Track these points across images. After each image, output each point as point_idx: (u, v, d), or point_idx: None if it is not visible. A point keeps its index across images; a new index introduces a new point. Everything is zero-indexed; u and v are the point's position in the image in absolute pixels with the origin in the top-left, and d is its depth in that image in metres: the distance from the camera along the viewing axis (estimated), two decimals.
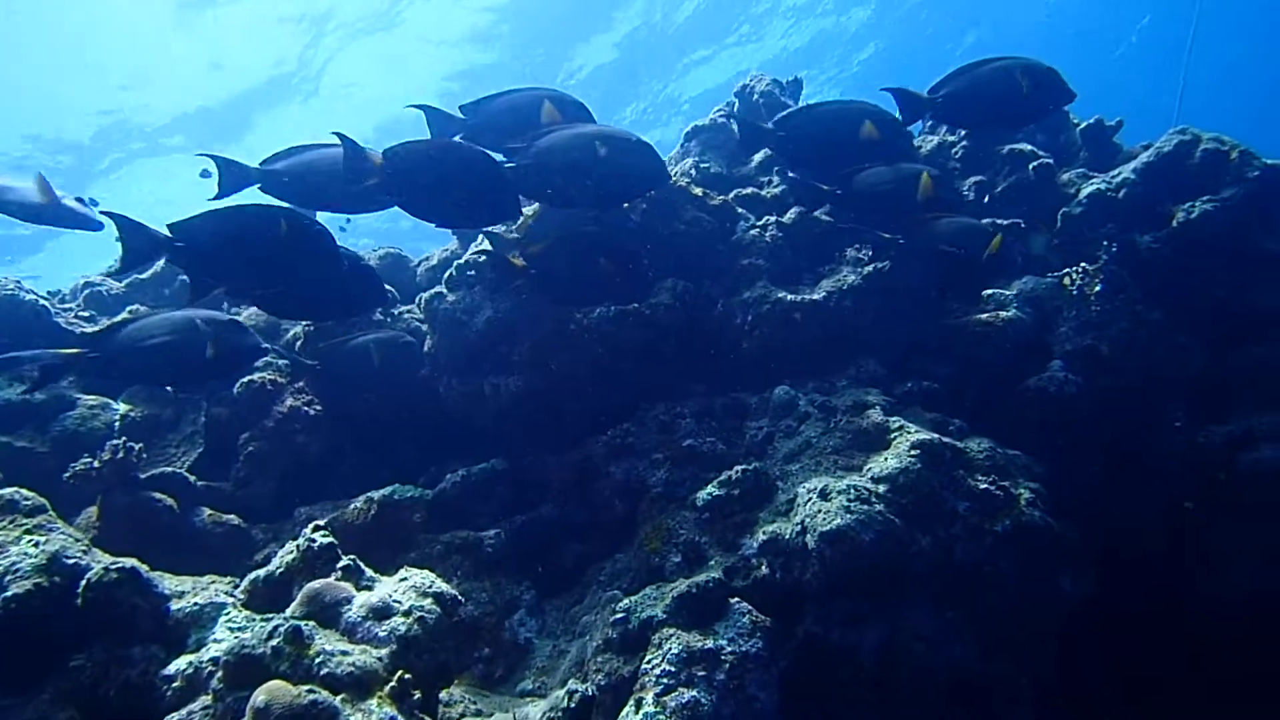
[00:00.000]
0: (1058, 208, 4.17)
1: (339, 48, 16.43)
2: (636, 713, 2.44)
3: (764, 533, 2.99)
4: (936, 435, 3.16)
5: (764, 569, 2.92)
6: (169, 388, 4.31)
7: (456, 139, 3.65)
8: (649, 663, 2.58)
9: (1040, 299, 3.91)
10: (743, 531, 3.08)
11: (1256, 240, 3.82)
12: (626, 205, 4.03)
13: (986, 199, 4.41)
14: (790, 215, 4.16)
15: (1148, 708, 3.31)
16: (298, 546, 2.94)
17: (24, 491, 3.10)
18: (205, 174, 3.54)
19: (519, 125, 3.53)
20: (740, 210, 4.30)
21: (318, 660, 2.41)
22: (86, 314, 4.99)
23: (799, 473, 3.28)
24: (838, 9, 18.80)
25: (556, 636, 3.30)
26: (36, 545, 2.83)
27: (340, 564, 2.86)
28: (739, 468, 3.25)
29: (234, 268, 3.19)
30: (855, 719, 2.73)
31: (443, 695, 2.82)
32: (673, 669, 2.52)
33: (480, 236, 4.30)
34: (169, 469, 3.95)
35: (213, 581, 3.09)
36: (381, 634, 2.59)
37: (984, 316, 3.82)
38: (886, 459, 3.08)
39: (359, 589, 2.78)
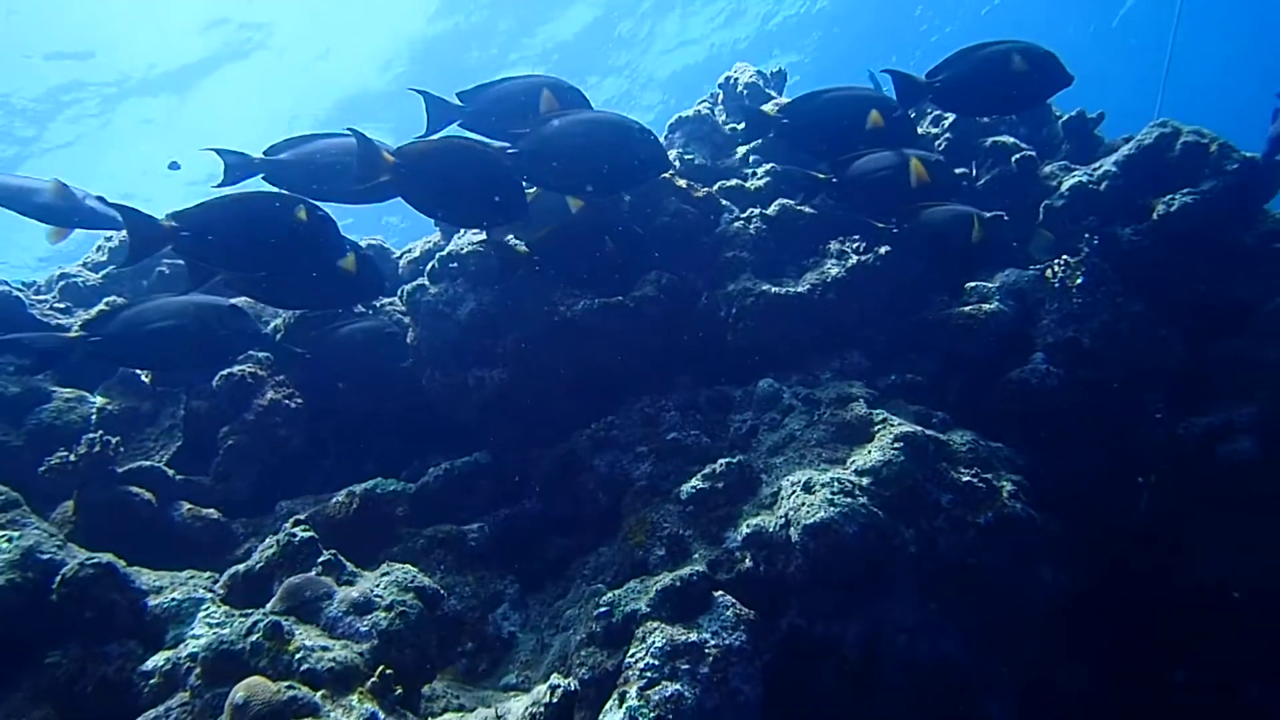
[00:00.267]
0: (1040, 200, 4.19)
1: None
2: (620, 706, 2.44)
3: (748, 526, 2.99)
4: (920, 428, 3.17)
5: (748, 562, 2.92)
6: (167, 373, 4.26)
7: (464, 137, 3.60)
8: (633, 656, 2.58)
9: (1023, 291, 3.93)
10: (727, 525, 3.09)
11: (1236, 233, 3.86)
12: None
13: (970, 191, 4.42)
14: (774, 208, 4.15)
15: (1127, 697, 3.34)
16: (278, 541, 2.92)
17: None
18: (174, 165, 3.50)
19: (517, 112, 3.50)
20: (725, 202, 4.29)
21: (298, 656, 2.39)
22: (62, 306, 4.90)
23: (783, 466, 3.28)
24: None
25: (540, 630, 3.29)
26: (10, 540, 2.78)
27: (321, 559, 2.84)
28: (723, 461, 3.25)
29: (241, 256, 3.18)
30: (839, 711, 2.75)
31: (426, 690, 2.80)
32: (656, 662, 2.52)
33: (462, 229, 4.27)
34: (147, 463, 3.88)
35: (191, 577, 3.04)
36: (363, 629, 2.58)
37: (967, 309, 3.83)
38: (870, 452, 3.09)
39: (340, 584, 2.76)
